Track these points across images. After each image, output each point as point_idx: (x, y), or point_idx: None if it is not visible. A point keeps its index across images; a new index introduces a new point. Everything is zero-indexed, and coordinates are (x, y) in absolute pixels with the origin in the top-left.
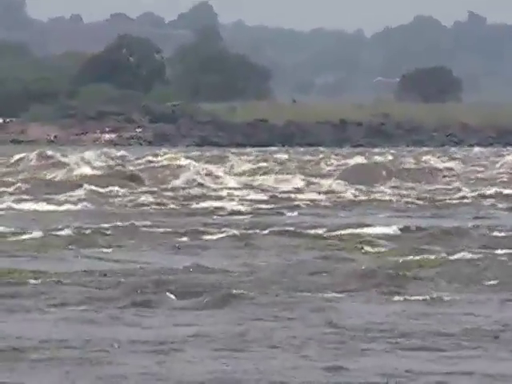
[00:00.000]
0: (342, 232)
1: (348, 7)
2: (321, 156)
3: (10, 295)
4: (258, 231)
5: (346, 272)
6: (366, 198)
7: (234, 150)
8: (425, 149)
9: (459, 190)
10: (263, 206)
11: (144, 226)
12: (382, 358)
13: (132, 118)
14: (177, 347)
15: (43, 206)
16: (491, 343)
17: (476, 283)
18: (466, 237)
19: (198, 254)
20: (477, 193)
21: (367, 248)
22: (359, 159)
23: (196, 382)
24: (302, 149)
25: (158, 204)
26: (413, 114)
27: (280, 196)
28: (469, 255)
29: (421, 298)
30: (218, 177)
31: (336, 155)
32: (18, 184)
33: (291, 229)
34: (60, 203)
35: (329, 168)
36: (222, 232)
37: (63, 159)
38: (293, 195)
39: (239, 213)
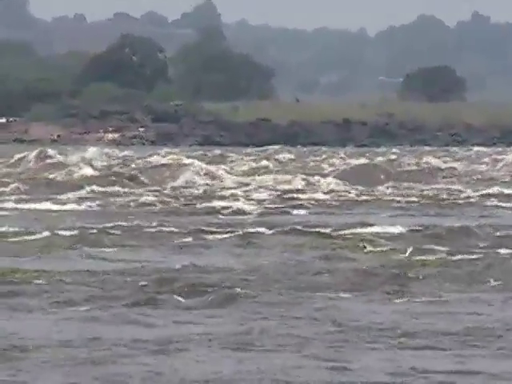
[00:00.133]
0: (346, 231)
1: (351, 6)
2: (323, 156)
3: (13, 294)
4: (261, 230)
5: (350, 271)
6: (369, 197)
7: (236, 149)
8: (428, 148)
9: (462, 189)
10: (266, 205)
11: (147, 226)
12: (386, 356)
13: (135, 118)
14: (181, 346)
15: (46, 206)
16: (495, 342)
17: (479, 282)
18: (469, 236)
19: (202, 253)
20: (480, 192)
21: (370, 247)
22: (362, 159)
23: (200, 381)
24: (304, 148)
25: (160, 204)
26: (416, 114)
27: (282, 196)
28: (472, 255)
29: (424, 297)
30: (220, 176)
31: (339, 155)
32: (21, 184)
33: (294, 228)
34: (63, 203)
35: (331, 168)
36: (225, 231)
37: (66, 159)
38: (295, 195)
39: (242, 212)
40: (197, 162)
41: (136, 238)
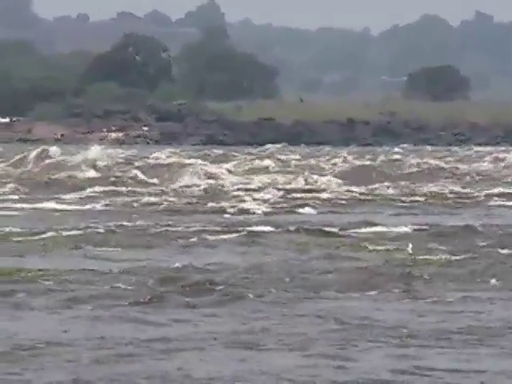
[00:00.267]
0: (350, 231)
1: (355, 6)
2: (327, 156)
3: (18, 293)
4: (265, 230)
5: (354, 270)
6: (373, 197)
7: (240, 148)
8: (432, 148)
9: (465, 189)
10: (270, 204)
11: (151, 226)
12: (390, 355)
13: (138, 117)
14: (185, 345)
15: (49, 206)
16: (498, 341)
17: (483, 282)
18: (473, 235)
19: (206, 252)
20: (483, 192)
21: (374, 246)
22: (365, 158)
23: (204, 380)
24: (308, 148)
25: (164, 203)
26: (420, 113)
27: (286, 195)
28: (476, 254)
29: (428, 296)
30: (223, 176)
31: (342, 154)
32: (24, 184)
33: (299, 227)
34: (66, 203)
35: (335, 167)
36: (229, 231)
37: (68, 158)
38: (299, 194)
39: (246, 212)
40: (200, 162)
41: (140, 238)
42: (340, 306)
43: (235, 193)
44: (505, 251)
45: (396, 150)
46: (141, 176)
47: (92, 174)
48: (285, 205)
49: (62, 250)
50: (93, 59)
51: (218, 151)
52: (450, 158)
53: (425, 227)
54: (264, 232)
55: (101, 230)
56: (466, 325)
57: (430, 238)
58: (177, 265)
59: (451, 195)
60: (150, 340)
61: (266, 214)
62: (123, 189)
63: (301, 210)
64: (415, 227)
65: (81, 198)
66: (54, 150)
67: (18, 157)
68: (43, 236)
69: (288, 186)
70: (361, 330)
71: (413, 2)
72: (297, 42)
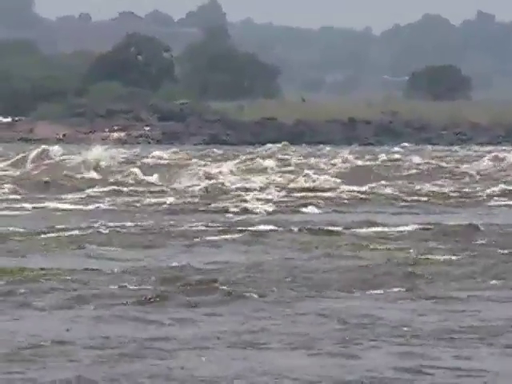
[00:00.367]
0: (352, 230)
1: (357, 5)
2: (328, 155)
3: (21, 293)
4: (267, 229)
5: (356, 269)
6: (374, 196)
7: (242, 148)
8: (433, 147)
9: (467, 188)
10: (272, 204)
11: (153, 225)
12: (393, 354)
13: (140, 117)
14: (188, 344)
15: (52, 206)
16: (501, 340)
17: (485, 281)
18: (475, 234)
19: (208, 252)
20: (485, 191)
21: (376, 246)
22: (367, 158)
23: (208, 379)
24: (310, 147)
25: (166, 203)
26: (422, 113)
27: (288, 194)
28: (478, 253)
29: (430, 295)
30: (225, 175)
31: (343, 154)
32: (26, 183)
33: (301, 226)
34: (69, 203)
35: (336, 167)
36: (231, 230)
37: (69, 158)
38: (301, 194)
39: (248, 211)
40: (202, 161)
41: (142, 237)
42: (342, 305)
43: (237, 192)
44: (506, 251)
45: (397, 149)
46: (142, 176)
47: (94, 173)
48: (287, 204)
49: (65, 250)
50: (95, 59)
51: (220, 151)
52: (451, 158)
53: (426, 226)
54: (266, 231)
55: (103, 230)
56: (468, 324)
57: (431, 237)
58: (179, 264)
59: (452, 194)
60: (153, 339)
61: (268, 213)
62: (125, 189)
63: (303, 210)
64: (417, 226)
65: (83, 198)
66: (55, 149)
67: (19, 156)
68: (45, 236)
69: (290, 186)
70: (363, 329)
71: (414, 1)
72: (298, 41)
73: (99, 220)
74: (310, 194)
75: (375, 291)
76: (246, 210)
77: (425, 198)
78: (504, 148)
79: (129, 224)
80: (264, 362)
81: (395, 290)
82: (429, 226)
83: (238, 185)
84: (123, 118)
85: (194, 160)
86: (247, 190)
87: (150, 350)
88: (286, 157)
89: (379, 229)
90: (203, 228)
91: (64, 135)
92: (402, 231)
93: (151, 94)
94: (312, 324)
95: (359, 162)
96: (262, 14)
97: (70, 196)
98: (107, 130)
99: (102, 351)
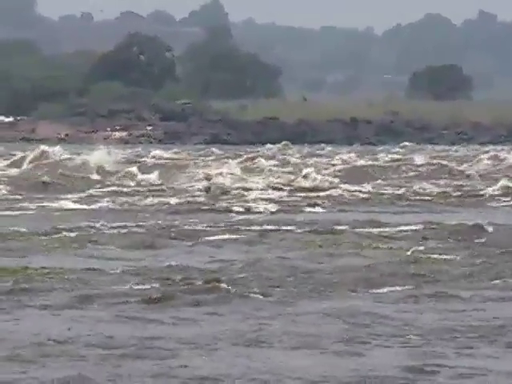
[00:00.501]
0: (354, 229)
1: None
2: (330, 155)
3: (24, 293)
4: (270, 229)
5: (358, 268)
6: (376, 196)
7: (244, 148)
8: (435, 147)
9: (468, 187)
10: (274, 204)
11: (155, 225)
12: (396, 353)
13: (142, 116)
14: (190, 344)
15: (54, 205)
16: (503, 340)
17: (487, 279)
18: (476, 234)
19: (211, 251)
20: (487, 190)
21: (379, 245)
22: (368, 157)
23: (210, 378)
24: (311, 147)
25: (168, 203)
26: (423, 112)
27: (289, 194)
28: (479, 252)
29: (433, 294)
30: (227, 175)
31: (345, 153)
32: (28, 183)
33: (303, 226)
34: (70, 202)
35: (338, 166)
36: (234, 230)
37: (73, 158)
38: (303, 193)
39: (250, 211)
40: (204, 161)
41: (144, 237)
42: (345, 304)
43: (239, 192)
44: (508, 250)
45: (399, 149)
46: (144, 176)
47: (95, 173)
48: (289, 204)
49: (67, 250)
50: (97, 59)
51: (222, 151)
52: (452, 157)
53: (428, 226)
54: (268, 231)
55: (105, 230)
56: (471, 323)
57: (434, 236)
58: (181, 264)
59: (454, 194)
60: (155, 338)
61: (270, 213)
62: (126, 189)
63: (305, 209)
64: (419, 226)
65: (84, 198)
66: (55, 150)
67: (20, 156)
68: (47, 235)
69: (291, 186)
70: (366, 328)
71: (416, 1)
72: (300, 41)
73: (101, 220)
74: (312, 194)
75: (378, 290)
76: (248, 210)
77: (426, 198)
78: (506, 147)
79: (131, 224)
80: (266, 362)
81: (398, 289)
82: (431, 226)
83: (240, 184)
84: (125, 118)
85: (196, 160)
86: (249, 189)
87: (152, 349)
88: (288, 157)
89: (381, 228)
90: (206, 228)
91: (66, 135)
92: (404, 230)
93: (153, 93)
94: (315, 323)
95: (361, 162)
96: (263, 14)
97: (71, 196)
98: (109, 129)
99: (104, 350)
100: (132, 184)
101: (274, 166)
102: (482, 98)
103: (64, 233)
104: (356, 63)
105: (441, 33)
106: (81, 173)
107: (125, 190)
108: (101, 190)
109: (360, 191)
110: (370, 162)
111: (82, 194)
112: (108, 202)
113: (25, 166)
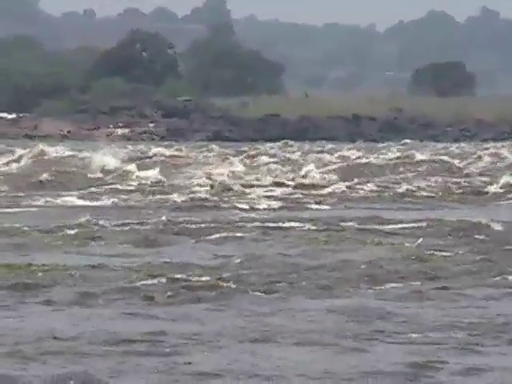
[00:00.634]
0: (357, 226)
1: (361, 2)
2: (333, 152)
3: (26, 289)
4: (273, 225)
5: (361, 265)
6: (379, 193)
7: (246, 144)
8: (438, 144)
9: (472, 184)
10: (276, 200)
11: (159, 222)
12: (399, 349)
13: (145, 113)
14: (193, 340)
15: (57, 203)
16: (506, 337)
17: (490, 277)
18: (479, 231)
19: (215, 248)
20: (490, 187)
21: (382, 241)
22: (371, 154)
23: (213, 374)
24: (313, 144)
25: (171, 200)
26: (426, 109)
27: (292, 191)
28: (482, 249)
29: (435, 290)
30: (229, 172)
31: (348, 150)
32: (31, 180)
33: (306, 223)
34: (74, 199)
35: (340, 163)
36: (237, 227)
37: (76, 155)
38: (305, 190)
39: (253, 208)
40: (206, 158)
41: (148, 234)
42: (348, 300)
43: (241, 189)
44: (510, 247)
45: (402, 146)
46: (146, 173)
47: (98, 170)
48: (292, 201)
49: (70, 247)
50: (99, 55)
51: (224, 148)
52: (455, 154)
53: (431, 223)
54: (271, 228)
55: (108, 227)
56: (473, 320)
57: (436, 233)
58: (185, 260)
59: (457, 191)
60: (158, 335)
61: (273, 209)
62: (128, 186)
63: (308, 206)
64: (421, 223)
65: (87, 195)
66: (58, 147)
67: (22, 153)
68: (50, 232)
69: (294, 182)
70: (369, 324)
71: None
72: (302, 37)
73: (104, 217)
74: (315, 191)
75: (381, 287)
76: (251, 207)
77: (429, 195)
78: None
79: (133, 221)
80: (269, 358)
81: (401, 285)
82: (433, 223)
83: (242, 181)
84: (127, 115)
85: (199, 157)
86: (251, 186)
87: (155, 345)
88: (290, 154)
89: (384, 225)
90: (208, 224)
91: (69, 132)
92: (407, 227)
93: (155, 90)
94: (317, 319)
95: (364, 159)
96: (266, 11)
97: (74, 193)
98: (111, 126)
99: (107, 347)
100: (134, 181)
101: (275, 163)
102: (485, 95)
103: (67, 230)
104: (358, 60)
105: (444, 30)
106: (83, 170)
107: (127, 187)
108: (103, 187)
109: (363, 188)
110: (373, 159)
111: (85, 192)
112: (110, 199)
113: (25, 163)
